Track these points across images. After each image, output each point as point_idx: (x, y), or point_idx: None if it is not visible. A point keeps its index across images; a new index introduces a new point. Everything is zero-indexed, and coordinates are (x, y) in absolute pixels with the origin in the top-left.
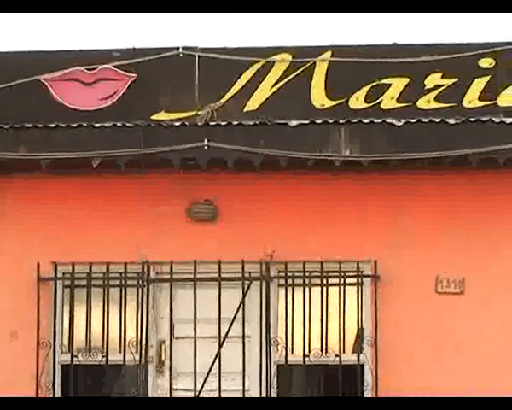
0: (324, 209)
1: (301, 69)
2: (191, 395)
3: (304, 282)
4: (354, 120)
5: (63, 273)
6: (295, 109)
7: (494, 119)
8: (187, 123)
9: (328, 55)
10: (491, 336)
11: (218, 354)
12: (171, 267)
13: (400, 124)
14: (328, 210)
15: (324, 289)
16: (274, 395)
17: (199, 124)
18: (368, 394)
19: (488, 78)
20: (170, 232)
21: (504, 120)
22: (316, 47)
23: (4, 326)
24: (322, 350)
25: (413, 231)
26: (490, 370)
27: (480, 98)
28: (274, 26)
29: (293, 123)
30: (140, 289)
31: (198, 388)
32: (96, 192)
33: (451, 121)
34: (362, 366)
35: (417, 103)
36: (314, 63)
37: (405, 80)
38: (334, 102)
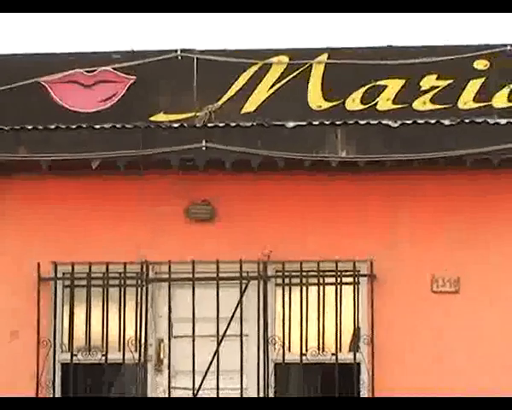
0: (321, 209)
1: (298, 71)
2: (190, 393)
3: (301, 281)
4: (350, 122)
5: (63, 273)
6: (292, 111)
7: (489, 120)
8: (185, 124)
9: (324, 57)
10: (487, 334)
11: (217, 352)
12: (169, 267)
13: (396, 125)
14: (325, 210)
15: (321, 288)
16: (271, 393)
17: (197, 125)
18: (364, 392)
19: (483, 79)
20: (168, 232)
21: (499, 121)
22: (312, 49)
23: (5, 326)
24: (319, 349)
25: (409, 230)
26: (486, 369)
27: (474, 99)
28: (271, 29)
29: (291, 124)
30: (139, 289)
31: (196, 386)
32: (96, 193)
33: (447, 122)
34: (358, 364)
35: (413, 105)
36: (311, 65)
37: (401, 82)
38: (330, 104)
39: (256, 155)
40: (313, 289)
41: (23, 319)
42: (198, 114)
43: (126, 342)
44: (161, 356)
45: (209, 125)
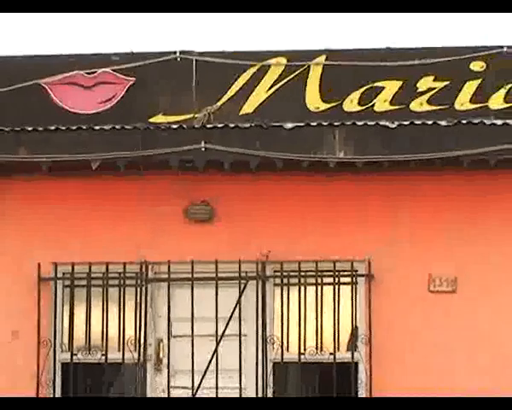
0: (319, 210)
1: (296, 73)
2: (189, 392)
3: (299, 281)
4: (348, 123)
5: (63, 273)
6: (290, 112)
7: (485, 121)
8: (184, 125)
9: (322, 58)
10: (484, 334)
11: (215, 352)
12: (168, 267)
13: (393, 126)
14: (323, 211)
15: (319, 288)
16: (270, 392)
17: (196, 126)
18: (362, 391)
19: (479, 81)
20: (168, 233)
21: (495, 121)
22: (310, 51)
23: (6, 326)
24: (317, 348)
25: (406, 230)
26: (483, 368)
27: (471, 101)
28: (269, 31)
29: (289, 125)
30: (138, 289)
31: (195, 385)
32: (96, 193)
33: (443, 123)
34: (356, 363)
35: (410, 106)
36: (309, 67)
37: (398, 83)
38: (328, 105)
39: (254, 155)
40: (311, 289)
41: (23, 319)
42: (197, 115)
43: (126, 341)
44: (161, 356)
45: (208, 126)
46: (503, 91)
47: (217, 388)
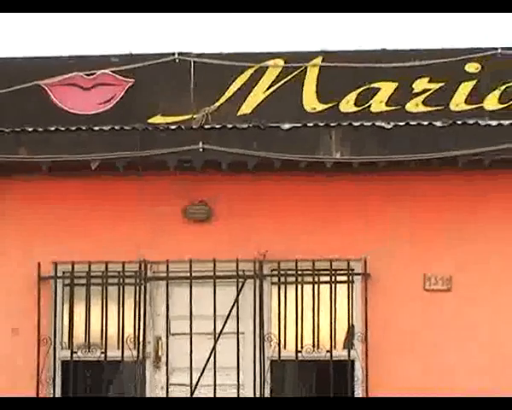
0: (316, 210)
1: (293, 74)
2: (187, 389)
3: (296, 280)
4: (345, 123)
5: (63, 272)
6: (288, 113)
7: (480, 121)
8: (183, 126)
9: (319, 60)
10: (478, 332)
11: (213, 349)
12: (167, 266)
13: (389, 127)
14: (320, 210)
15: (316, 286)
16: (267, 389)
17: (194, 127)
18: (358, 388)
19: (474, 82)
20: (166, 232)
21: (490, 122)
22: (307, 52)
23: (6, 324)
24: (314, 346)
25: (402, 230)
26: (477, 366)
27: (466, 102)
28: (267, 33)
29: (286, 126)
30: (137, 288)
31: (194, 383)
32: (95, 193)
33: (439, 124)
34: (352, 361)
35: (406, 107)
36: (306, 68)
37: (394, 84)
38: (325, 106)
39: (252, 156)
40: (308, 288)
41: (24, 318)
42: (195, 116)
43: (125, 339)
44: (159, 353)
45: (206, 126)
46: (497, 92)
47: (215, 385)
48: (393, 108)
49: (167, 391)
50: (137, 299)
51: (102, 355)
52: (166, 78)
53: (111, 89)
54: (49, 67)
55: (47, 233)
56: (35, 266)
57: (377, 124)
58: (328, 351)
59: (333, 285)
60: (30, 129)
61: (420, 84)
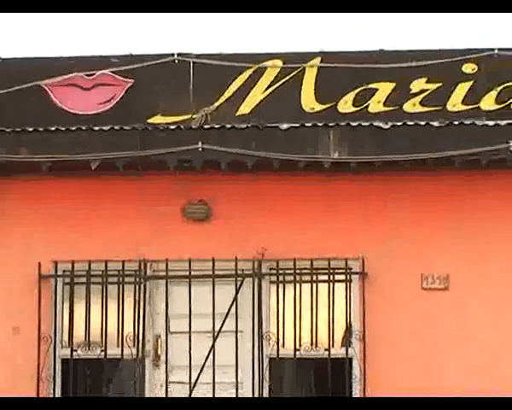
0: (314, 209)
1: (292, 74)
2: (186, 387)
3: (294, 279)
4: (343, 124)
5: (63, 271)
6: (286, 113)
7: (477, 122)
8: (182, 126)
9: (317, 60)
10: (475, 331)
11: (212, 348)
12: (166, 265)
13: (387, 127)
14: (319, 210)
15: (314, 285)
16: (266, 387)
17: (194, 127)
18: (355, 386)
19: (471, 82)
20: (166, 231)
21: (487, 122)
22: (305, 53)
23: (7, 322)
24: (312, 344)
25: (399, 229)
26: (474, 365)
27: (463, 102)
28: (266, 33)
29: (284, 126)
30: (137, 286)
31: (193, 381)
32: (95, 193)
33: (436, 124)
34: (350, 359)
35: (403, 107)
36: (304, 69)
37: (392, 85)
38: (323, 106)
39: (251, 155)
40: (306, 287)
41: (24, 316)
42: (194, 116)
43: (125, 337)
44: (159, 352)
45: (205, 126)
46: (494, 93)
47: (214, 383)
48: (391, 108)
49: (166, 389)
50: (137, 297)
51: (102, 353)
52: (166, 78)
53: (111, 89)
54: (49, 67)
55: (47, 232)
56: (35, 265)
57: (375, 124)
58: (326, 349)
59: (331, 284)
60: (30, 129)
61: (417, 85)
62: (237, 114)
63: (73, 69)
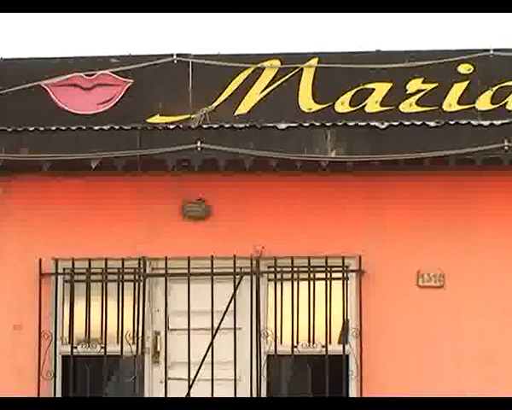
0: (312, 208)
1: (289, 75)
2: (185, 383)
3: (292, 276)
4: (340, 123)
5: (64, 269)
6: (284, 113)
7: (472, 121)
8: (181, 126)
9: (314, 61)
10: (470, 328)
11: (211, 344)
12: (165, 263)
13: (383, 127)
14: (316, 209)
15: (311, 283)
16: (264, 383)
17: (192, 127)
18: (352, 382)
19: (466, 83)
20: (165, 230)
21: (482, 122)
22: (303, 54)
23: (9, 319)
24: (309, 341)
25: (396, 228)
26: (469, 361)
27: (458, 102)
28: (263, 34)
29: (282, 126)
30: (137, 284)
31: (192, 377)
32: (95, 191)
33: (432, 124)
34: (347, 356)
35: (400, 107)
36: (301, 69)
37: (388, 85)
38: (320, 106)
39: (249, 155)
40: (304, 284)
41: (25, 313)
42: (193, 116)
43: (124, 334)
44: (158, 348)
45: (204, 126)
46: (489, 93)
47: (212, 379)
48: (388, 108)
49: (166, 385)
50: (136, 295)
51: (102, 350)
52: (165, 78)
53: (111, 89)
54: (49, 67)
55: (48, 231)
56: (36, 262)
57: (371, 124)
58: (323, 346)
59: (328, 282)
60: (31, 129)
61: (413, 85)
62: (235, 113)
63: (74, 69)
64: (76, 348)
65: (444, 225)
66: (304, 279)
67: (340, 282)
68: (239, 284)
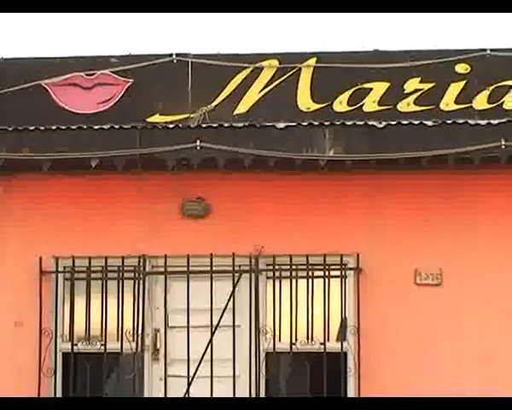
0: (311, 206)
1: (288, 74)
2: (185, 380)
3: (291, 274)
4: (338, 123)
5: (64, 267)
6: (282, 112)
7: (469, 121)
8: (180, 125)
9: (313, 61)
10: (468, 326)
11: (210, 342)
12: (165, 261)
13: (381, 126)
14: (315, 207)
15: (310, 281)
16: (263, 380)
17: (192, 126)
18: (350, 380)
19: (464, 82)
20: (164, 228)
21: (479, 121)
22: (301, 53)
23: (9, 318)
24: (308, 338)
25: (393, 226)
26: (467, 359)
27: (456, 101)
28: (262, 34)
29: (281, 125)
30: (136, 282)
31: (191, 374)
32: (95, 190)
33: (429, 123)
34: (345, 353)
35: (397, 106)
36: (300, 69)
37: (386, 85)
38: (319, 106)
39: (248, 154)
40: (302, 282)
41: (26, 311)
42: (192, 115)
43: (124, 332)
44: (158, 346)
45: (203, 125)
46: (486, 92)
47: (211, 377)
48: (385, 107)
49: (165, 382)
50: (136, 293)
51: (102, 347)
52: (165, 78)
53: (110, 89)
54: (50, 67)
55: (48, 229)
56: (36, 261)
57: (369, 123)
58: (321, 343)
59: (326, 280)
60: (31, 128)
61: (411, 85)
62: (234, 113)
63: (74, 69)
64: (76, 345)
65: (442, 223)
66: (302, 277)
67: (339, 280)
68: (238, 281)
